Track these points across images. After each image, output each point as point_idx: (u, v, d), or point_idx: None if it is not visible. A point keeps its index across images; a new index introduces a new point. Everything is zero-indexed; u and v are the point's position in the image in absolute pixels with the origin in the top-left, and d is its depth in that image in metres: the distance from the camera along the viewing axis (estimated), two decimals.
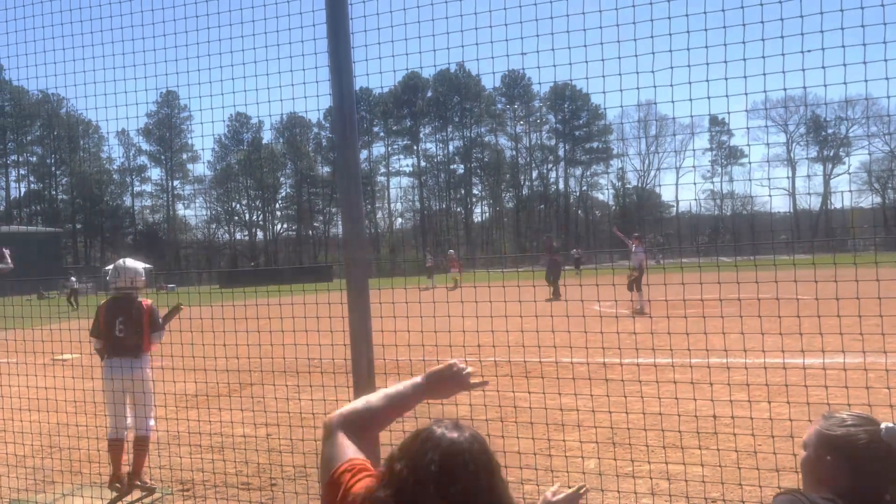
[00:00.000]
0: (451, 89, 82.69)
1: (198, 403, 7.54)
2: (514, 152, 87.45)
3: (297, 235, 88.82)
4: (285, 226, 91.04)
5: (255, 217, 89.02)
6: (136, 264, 5.66)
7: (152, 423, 5.39)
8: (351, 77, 3.01)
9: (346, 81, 2.96)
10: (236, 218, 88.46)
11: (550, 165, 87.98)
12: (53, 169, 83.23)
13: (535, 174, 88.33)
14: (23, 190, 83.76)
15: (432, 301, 4.26)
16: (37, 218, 79.71)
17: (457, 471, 1.51)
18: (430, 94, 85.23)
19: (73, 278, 34.08)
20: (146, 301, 5.51)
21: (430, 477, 1.50)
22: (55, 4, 4.67)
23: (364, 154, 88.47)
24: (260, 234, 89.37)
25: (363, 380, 2.86)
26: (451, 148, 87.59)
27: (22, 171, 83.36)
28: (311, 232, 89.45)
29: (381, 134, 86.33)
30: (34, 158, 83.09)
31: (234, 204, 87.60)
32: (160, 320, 5.49)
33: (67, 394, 5.39)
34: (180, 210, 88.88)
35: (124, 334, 5.24)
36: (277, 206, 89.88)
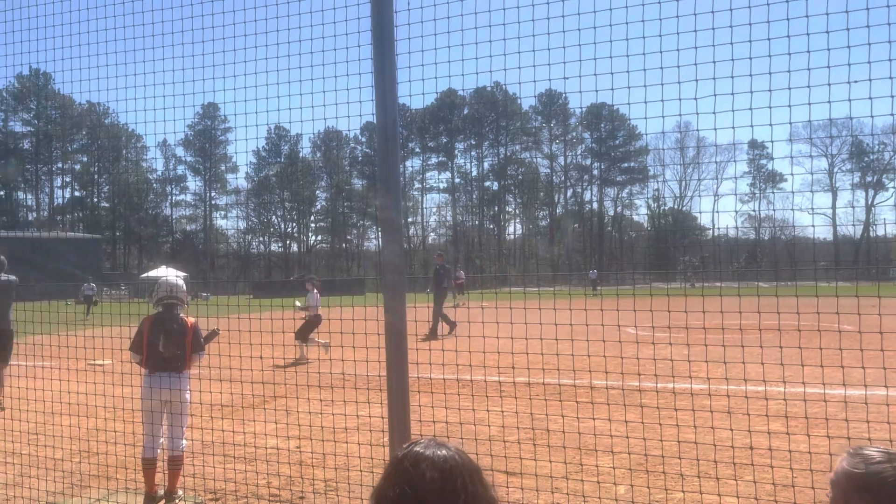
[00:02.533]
0: (488, 107, 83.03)
1: (232, 414, 7.62)
2: (549, 171, 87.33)
3: (330, 248, 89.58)
4: (319, 238, 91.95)
5: (290, 229, 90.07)
6: (179, 279, 5.74)
7: (185, 443, 5.43)
8: (395, 95, 3.06)
9: (389, 100, 3.00)
10: (272, 229, 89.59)
11: (585, 184, 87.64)
12: (96, 177, 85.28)
13: (569, 193, 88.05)
14: (66, 197, 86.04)
15: (467, 321, 4.26)
16: (78, 224, 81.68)
17: (457, 484, 1.55)
18: (466, 111, 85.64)
19: (93, 285, 33.26)
20: (190, 319, 5.55)
21: (433, 495, 1.53)
22: (103, 22, 4.80)
23: (399, 169, 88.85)
24: (294, 246, 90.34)
25: (398, 399, 2.86)
26: (485, 165, 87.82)
27: (66, 179, 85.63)
28: (344, 245, 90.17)
29: (417, 150, 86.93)
30: (78, 166, 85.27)
31: (270, 215, 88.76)
32: (202, 340, 5.54)
33: (102, 399, 5.48)
34: (217, 220, 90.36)
35: (167, 350, 5.28)
36: (312, 218, 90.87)
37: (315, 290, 14.10)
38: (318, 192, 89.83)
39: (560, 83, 3.75)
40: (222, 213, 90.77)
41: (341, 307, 5.54)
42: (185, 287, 5.62)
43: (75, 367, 6.30)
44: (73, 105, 78.55)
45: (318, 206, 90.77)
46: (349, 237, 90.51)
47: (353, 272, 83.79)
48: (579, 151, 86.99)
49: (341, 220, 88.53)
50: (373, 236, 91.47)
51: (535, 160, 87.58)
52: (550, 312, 4.48)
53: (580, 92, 3.75)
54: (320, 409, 7.00)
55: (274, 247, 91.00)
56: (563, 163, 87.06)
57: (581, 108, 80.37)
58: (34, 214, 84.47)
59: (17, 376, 9.27)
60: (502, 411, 4.43)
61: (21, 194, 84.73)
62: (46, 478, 5.42)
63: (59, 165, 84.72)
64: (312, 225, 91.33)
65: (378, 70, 3.00)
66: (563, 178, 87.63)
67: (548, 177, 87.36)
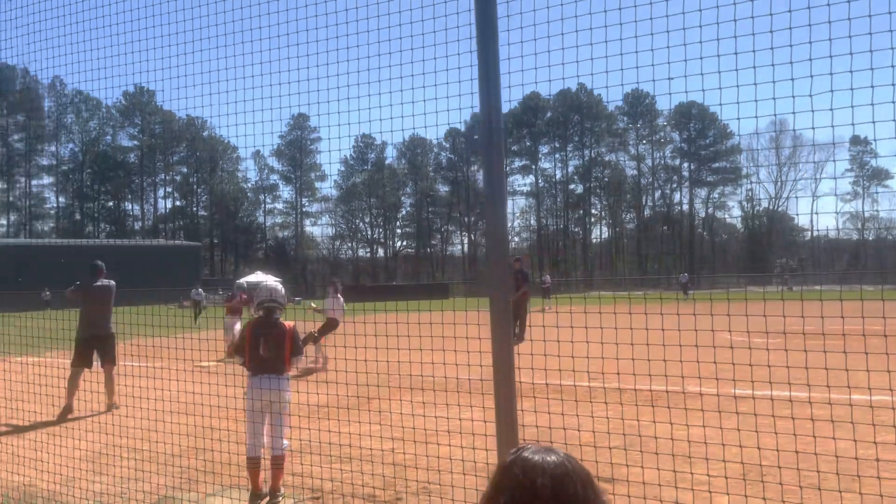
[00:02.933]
0: (572, 108, 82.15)
1: (328, 414, 7.89)
2: (636, 172, 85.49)
3: (415, 253, 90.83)
4: (404, 243, 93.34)
5: (376, 234, 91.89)
6: (278, 284, 6.04)
7: (286, 443, 5.68)
8: (499, 95, 3.13)
9: (493, 99, 3.07)
10: (359, 235, 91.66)
11: (674, 185, 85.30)
12: (195, 187, 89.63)
13: (657, 194, 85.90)
14: (168, 206, 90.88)
15: (556, 325, 4.29)
16: (179, 232, 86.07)
17: (569, 491, 1.52)
18: (549, 114, 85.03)
19: (200, 290, 34.15)
20: (289, 323, 5.82)
21: (545, 503, 1.51)
22: (201, 43, 5.09)
23: (481, 174, 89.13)
24: (380, 251, 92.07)
25: (505, 404, 2.91)
26: (570, 168, 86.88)
27: (168, 189, 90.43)
28: (429, 250, 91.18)
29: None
30: (179, 177, 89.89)
31: (357, 222, 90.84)
32: (300, 343, 5.80)
33: (208, 399, 5.79)
34: (308, 227, 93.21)
35: (267, 353, 5.56)
36: (398, 224, 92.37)
37: (339, 295, 14.26)
38: (403, 198, 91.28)
39: (648, 84, 3.74)
40: (312, 220, 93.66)
41: (430, 311, 5.68)
42: (283, 292, 5.90)
43: (183, 369, 6.69)
44: (174, 119, 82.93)
45: (404, 212, 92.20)
46: (433, 242, 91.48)
47: (437, 276, 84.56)
48: (667, 152, 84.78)
49: (426, 225, 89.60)
50: (456, 241, 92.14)
51: (621, 162, 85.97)
52: (641, 317, 4.46)
53: (669, 94, 3.72)
54: (413, 411, 7.15)
55: (361, 252, 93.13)
56: (650, 164, 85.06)
57: (669, 108, 78.09)
58: (140, 223, 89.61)
59: (129, 376, 9.90)
60: (592, 416, 4.43)
61: (128, 205, 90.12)
62: (161, 473, 5.79)
63: (162, 177, 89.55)
64: (398, 230, 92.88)
65: (483, 83, 3.07)
66: (650, 180, 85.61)
67: (635, 178, 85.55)
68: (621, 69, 3.68)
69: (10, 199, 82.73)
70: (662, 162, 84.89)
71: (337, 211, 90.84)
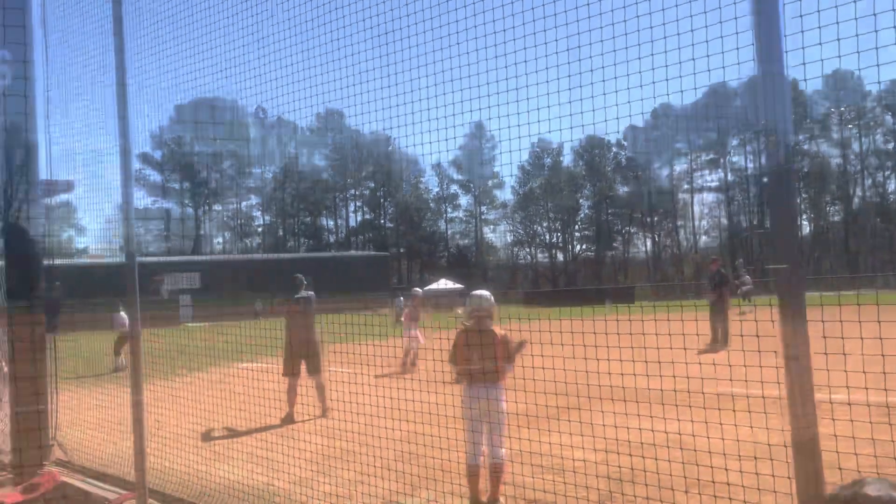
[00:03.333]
0: (763, 96, 76.30)
1: (528, 423, 7.86)
2: (841, 160, 77.69)
3: (595, 256, 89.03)
4: (584, 246, 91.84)
5: (554, 239, 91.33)
6: (487, 293, 6.09)
7: (503, 451, 5.71)
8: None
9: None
10: (537, 240, 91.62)
11: (888, 172, 76.42)
12: (382, 200, 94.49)
13: (867, 182, 77.46)
14: (358, 219, 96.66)
15: (755, 334, 3.90)
16: (368, 244, 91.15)
17: None
18: (738, 101, 79.70)
19: (401, 298, 35.83)
20: (500, 331, 5.87)
21: None
22: (385, 63, 5.26)
23: (665, 171, 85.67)
24: (560, 255, 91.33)
25: (802, 423, 2.61)
26: (762, 159, 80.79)
27: (358, 203, 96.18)
28: (610, 252, 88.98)
29: (684, 150, 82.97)
30: (367, 192, 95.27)
31: (535, 227, 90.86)
32: (512, 352, 5.82)
33: (415, 405, 5.94)
34: (487, 234, 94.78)
35: (480, 363, 5.64)
36: (577, 227, 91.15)
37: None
38: (581, 200, 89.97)
39: (852, 59, 3.26)
40: (491, 227, 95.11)
41: (617, 316, 5.44)
42: (492, 300, 5.95)
43: (388, 374, 6.94)
44: (361, 136, 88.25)
45: (582, 215, 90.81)
46: (615, 244, 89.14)
47: (620, 280, 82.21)
48: (878, 135, 76.17)
49: (606, 227, 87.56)
50: (639, 242, 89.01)
51: (822, 149, 78.55)
52: (872, 325, 3.94)
53: (877, 65, 3.19)
54: (616, 422, 6.91)
55: (540, 257, 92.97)
56: (857, 149, 76.93)
57: (878, 83, 70.12)
58: (334, 237, 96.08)
59: (338, 381, 10.50)
60: (835, 435, 3.99)
61: (323, 220, 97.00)
62: (383, 477, 6.04)
63: (353, 192, 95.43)
64: (577, 234, 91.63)
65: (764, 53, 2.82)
66: (858, 167, 77.39)
67: (840, 167, 77.78)
68: (819, 43, 3.24)
69: (224, 219, 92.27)
70: (872, 147, 76.46)
71: (515, 217, 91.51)
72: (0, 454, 7.25)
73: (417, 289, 19.73)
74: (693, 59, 3.62)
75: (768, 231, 2.61)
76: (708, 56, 3.57)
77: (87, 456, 7.57)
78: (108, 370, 16.27)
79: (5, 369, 10.54)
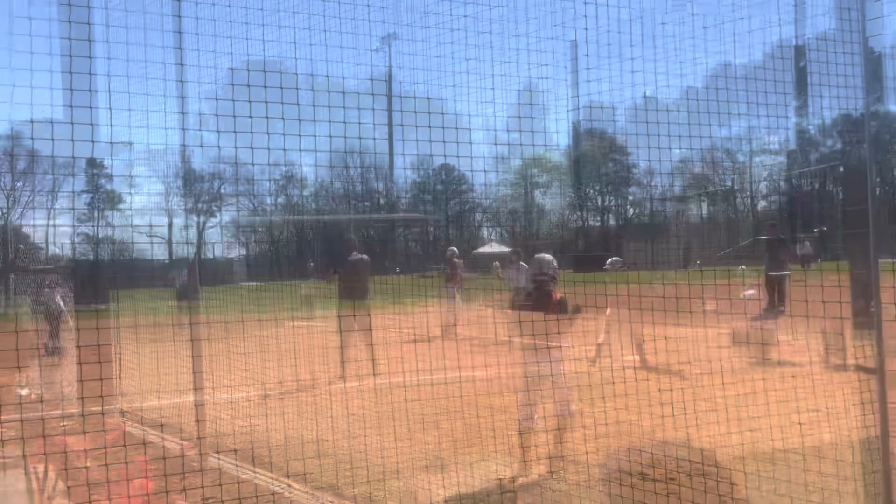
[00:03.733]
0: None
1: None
2: None
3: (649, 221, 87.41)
4: (636, 211, 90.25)
5: (607, 202, 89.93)
6: (549, 257, 6.03)
7: (573, 406, 5.68)
8: None
9: None
10: (589, 203, 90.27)
11: None
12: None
13: None
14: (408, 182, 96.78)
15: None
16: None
17: None
18: (801, 63, 76.35)
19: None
20: (558, 293, 5.86)
21: None
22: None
23: (723, 133, 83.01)
24: (612, 219, 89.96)
25: None
26: (826, 119, 77.54)
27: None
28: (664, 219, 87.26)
29: (741, 111, 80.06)
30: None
31: (587, 190, 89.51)
32: (569, 310, 5.78)
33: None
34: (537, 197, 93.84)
35: (538, 326, 5.59)
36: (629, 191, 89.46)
37: (521, 263, 14.08)
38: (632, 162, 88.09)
39: None
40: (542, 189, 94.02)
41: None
42: (555, 264, 5.89)
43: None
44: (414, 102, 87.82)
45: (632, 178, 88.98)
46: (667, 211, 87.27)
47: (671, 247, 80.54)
48: None
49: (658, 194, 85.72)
50: (693, 206, 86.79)
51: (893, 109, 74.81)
52: None
53: None
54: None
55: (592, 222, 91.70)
56: None
57: None
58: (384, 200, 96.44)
59: (386, 344, 10.47)
60: None
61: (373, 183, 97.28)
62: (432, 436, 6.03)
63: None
64: (629, 197, 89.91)
65: None
66: None
67: None
68: None
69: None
70: None
71: (566, 181, 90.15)
72: (68, 403, 7.52)
73: (453, 248, 18.46)
74: (748, 18, 3.40)
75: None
76: (779, 13, 3.35)
77: (148, 407, 7.81)
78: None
79: (71, 322, 10.95)
